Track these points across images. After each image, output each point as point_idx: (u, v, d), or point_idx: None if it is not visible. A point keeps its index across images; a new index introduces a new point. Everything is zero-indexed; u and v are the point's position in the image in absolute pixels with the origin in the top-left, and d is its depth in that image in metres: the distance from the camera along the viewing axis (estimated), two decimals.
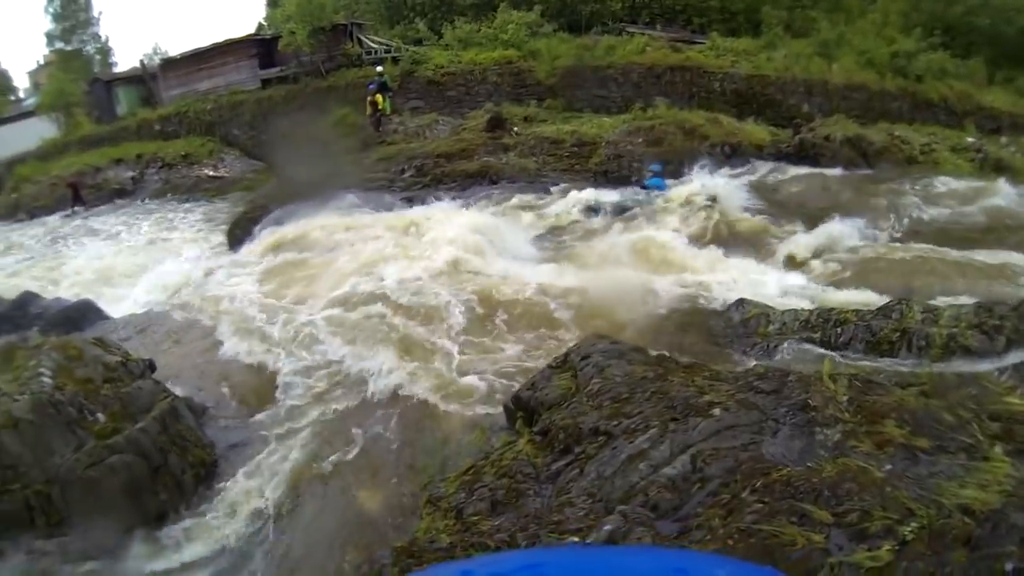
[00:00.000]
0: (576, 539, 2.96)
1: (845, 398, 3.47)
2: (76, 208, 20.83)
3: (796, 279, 8.82)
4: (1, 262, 16.30)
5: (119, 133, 26.33)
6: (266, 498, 5.22)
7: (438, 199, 13.10)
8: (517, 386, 5.46)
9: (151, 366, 6.23)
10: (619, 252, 10.11)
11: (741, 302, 7.52)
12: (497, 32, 21.84)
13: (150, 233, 16.88)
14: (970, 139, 16.19)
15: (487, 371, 6.79)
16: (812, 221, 10.78)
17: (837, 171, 13.90)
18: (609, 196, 13.13)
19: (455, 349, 7.30)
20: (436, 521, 3.62)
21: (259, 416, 6.36)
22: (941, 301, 6.59)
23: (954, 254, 8.86)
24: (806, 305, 7.52)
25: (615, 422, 3.80)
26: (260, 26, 30.85)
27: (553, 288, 8.57)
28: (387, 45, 22.70)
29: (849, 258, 9.21)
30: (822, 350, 6.06)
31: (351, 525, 4.88)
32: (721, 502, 2.87)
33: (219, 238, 14.70)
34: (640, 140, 15.42)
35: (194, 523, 5.05)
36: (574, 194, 13.29)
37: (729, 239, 10.62)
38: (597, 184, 13.96)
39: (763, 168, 14.49)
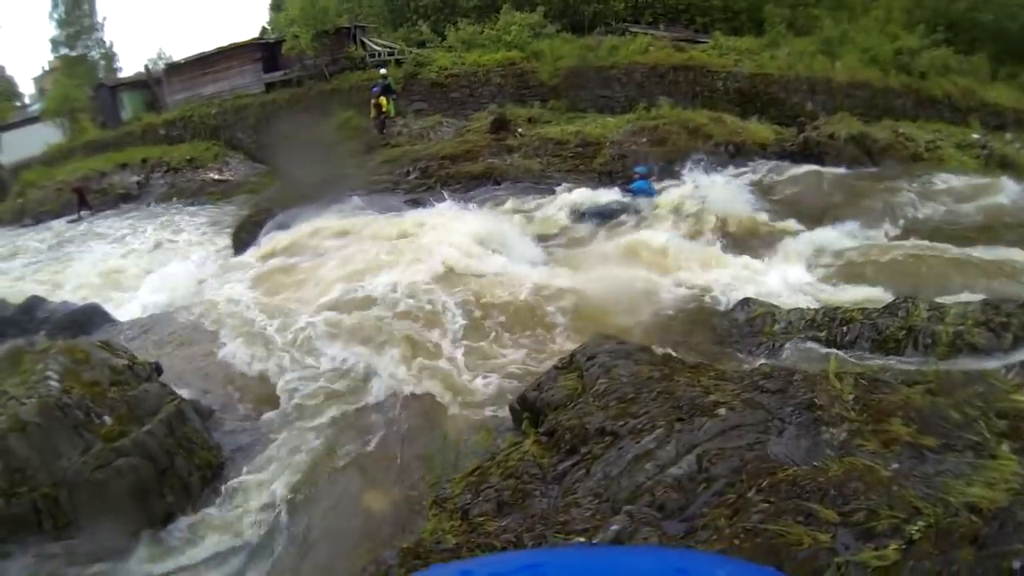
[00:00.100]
0: (583, 539, 2.96)
1: (851, 397, 3.46)
2: (82, 213, 20.94)
3: (801, 278, 8.79)
4: (7, 266, 16.40)
5: (124, 138, 26.48)
6: (272, 500, 5.22)
7: (442, 201, 13.09)
8: (522, 387, 5.47)
9: (158, 369, 6.25)
10: (620, 253, 10.10)
11: (746, 301, 7.51)
12: (500, 33, 21.87)
13: (156, 237, 16.94)
14: (975, 136, 16.14)
15: (492, 372, 6.81)
16: (817, 219, 10.76)
17: (841, 169, 13.85)
18: (597, 199, 12.92)
19: (459, 351, 7.32)
20: (442, 522, 3.62)
21: (265, 418, 6.37)
22: (947, 299, 6.55)
23: (960, 251, 8.82)
24: (811, 304, 7.51)
25: (621, 422, 3.80)
26: (264, 30, 30.95)
27: (556, 289, 8.57)
28: (390, 48, 22.74)
29: (854, 256, 9.18)
30: (828, 349, 6.05)
31: (357, 526, 4.89)
32: (727, 502, 2.86)
33: (224, 241, 14.76)
34: (644, 140, 15.40)
35: (201, 525, 5.06)
36: (562, 198, 13.17)
37: (730, 239, 10.59)
38: (601, 184, 13.88)
39: (767, 167, 14.43)
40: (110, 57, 40.73)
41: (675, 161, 14.43)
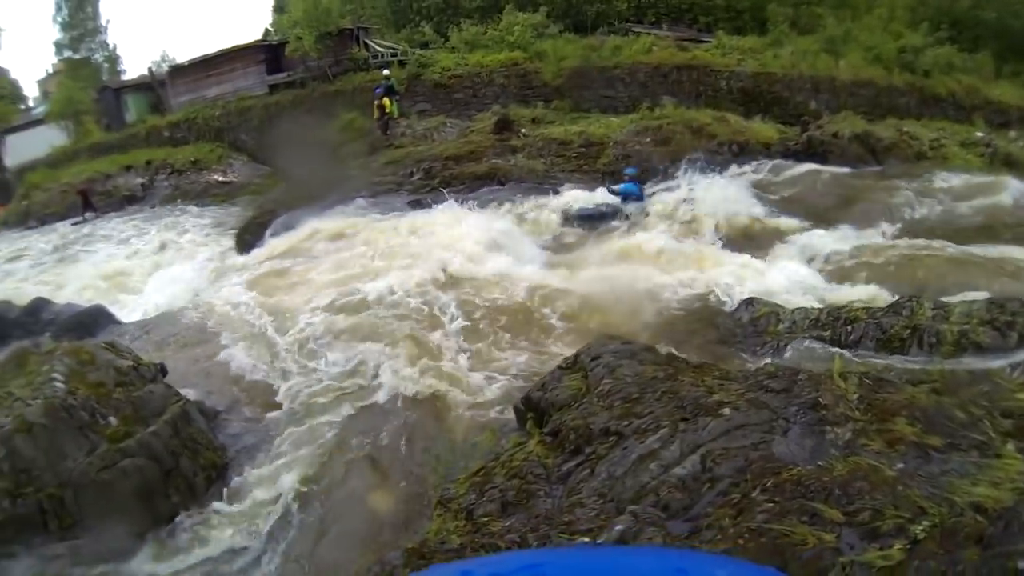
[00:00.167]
0: (587, 539, 2.96)
1: (856, 396, 3.45)
2: (87, 215, 20.99)
3: (805, 277, 8.77)
4: (13, 268, 16.47)
5: (129, 140, 26.52)
6: (277, 500, 5.24)
7: (446, 202, 13.09)
8: (526, 387, 5.47)
9: (163, 370, 6.27)
10: (620, 254, 10.10)
11: (750, 301, 7.50)
12: (503, 34, 21.87)
13: (160, 238, 16.96)
14: (979, 134, 16.08)
15: (496, 373, 6.82)
16: (821, 219, 10.74)
17: (846, 168, 13.81)
18: (585, 202, 12.73)
19: (463, 351, 7.34)
20: (447, 522, 3.62)
21: (270, 419, 6.39)
22: (952, 297, 6.54)
23: (964, 250, 8.79)
24: (816, 303, 7.49)
25: (626, 422, 3.79)
26: (267, 32, 30.97)
27: (559, 290, 8.59)
28: (393, 49, 22.77)
29: (858, 255, 9.15)
30: (832, 348, 6.03)
31: (362, 526, 4.90)
32: (731, 502, 2.86)
33: (228, 243, 14.78)
34: (648, 140, 15.37)
35: (206, 525, 5.08)
36: (554, 202, 13.04)
37: (732, 239, 10.57)
38: (605, 184, 13.85)
39: (771, 166, 14.39)
40: (114, 60, 40.84)
41: (669, 163, 14.29)
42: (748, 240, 10.54)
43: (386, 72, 19.89)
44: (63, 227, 20.56)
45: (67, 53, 38.60)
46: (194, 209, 20.22)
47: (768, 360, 5.96)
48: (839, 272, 8.79)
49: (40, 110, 34.89)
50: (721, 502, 2.89)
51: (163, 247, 16.06)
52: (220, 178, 22.37)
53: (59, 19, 38.42)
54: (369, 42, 23.32)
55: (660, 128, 15.66)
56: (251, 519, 5.12)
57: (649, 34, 21.53)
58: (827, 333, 6.34)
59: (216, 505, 5.29)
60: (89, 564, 4.56)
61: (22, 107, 40.05)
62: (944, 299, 6.35)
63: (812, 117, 17.14)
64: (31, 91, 44.03)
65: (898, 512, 2.44)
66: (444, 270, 9.45)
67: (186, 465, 5.35)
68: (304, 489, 5.32)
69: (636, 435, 3.62)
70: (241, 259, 13.01)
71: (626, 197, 12.40)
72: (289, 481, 5.40)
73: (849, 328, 6.24)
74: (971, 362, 5.11)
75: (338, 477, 5.44)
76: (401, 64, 21.78)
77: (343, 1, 24.43)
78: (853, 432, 3.12)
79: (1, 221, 24.07)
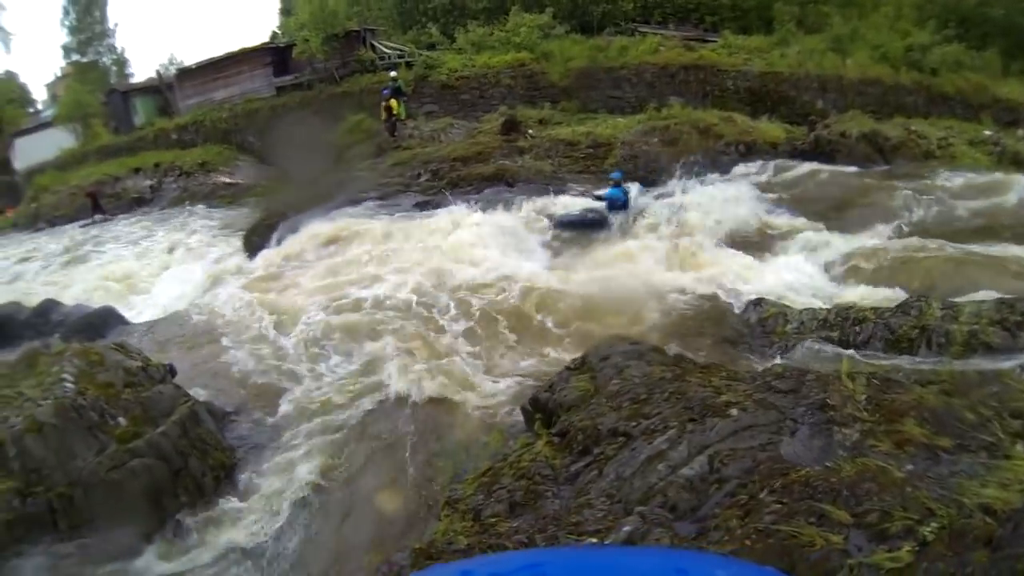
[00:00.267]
0: (595, 540, 2.96)
1: (864, 397, 3.44)
2: (96, 217, 21.11)
3: (813, 277, 8.75)
4: (22, 269, 16.60)
5: (137, 143, 26.69)
6: (285, 500, 5.26)
7: (453, 203, 13.09)
8: (534, 388, 5.48)
9: (171, 371, 6.31)
10: (625, 254, 10.09)
11: (758, 302, 7.48)
12: (509, 35, 21.89)
13: (169, 240, 17.05)
14: (987, 132, 15.96)
15: (503, 374, 6.83)
16: (828, 219, 10.68)
17: (853, 168, 13.74)
18: (570, 207, 12.25)
19: (470, 352, 7.34)
20: (454, 523, 3.63)
21: (278, 419, 6.42)
22: (961, 297, 6.50)
23: (973, 250, 8.72)
24: (823, 304, 7.46)
25: (634, 423, 3.79)
26: (274, 34, 31.12)
27: (566, 291, 8.58)
28: (400, 50, 22.82)
29: (866, 255, 9.09)
30: (840, 349, 6.01)
31: (369, 526, 4.91)
32: (739, 503, 2.85)
33: (237, 244, 14.83)
34: (655, 140, 15.33)
35: (214, 525, 5.10)
36: (529, 205, 12.69)
37: (738, 241, 10.52)
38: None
39: (778, 166, 14.32)
40: (122, 63, 41.22)
41: (677, 164, 14.15)
42: (754, 241, 10.49)
43: (393, 74, 19.93)
44: (72, 229, 20.70)
45: (75, 56, 39.00)
46: (202, 210, 20.33)
47: (776, 361, 5.95)
48: (847, 272, 8.75)
49: (48, 113, 35.16)
50: (729, 503, 2.89)
51: (172, 248, 16.14)
52: (227, 180, 22.46)
53: (67, 23, 38.83)
54: (376, 44, 23.38)
55: (667, 128, 15.61)
56: (259, 519, 5.14)
57: (656, 34, 21.51)
58: (835, 334, 6.32)
59: (225, 505, 5.32)
60: (98, 563, 4.59)
61: (30, 110, 40.39)
62: (953, 299, 6.32)
63: (819, 116, 17.06)
64: (39, 94, 44.45)
65: (907, 514, 2.43)
66: (451, 271, 9.46)
67: (195, 465, 5.38)
68: (312, 490, 5.34)
69: (644, 436, 3.61)
70: (249, 261, 13.05)
71: (612, 204, 11.88)
72: (297, 482, 5.42)
73: (857, 328, 6.22)
74: (981, 363, 5.07)
75: (346, 477, 5.46)
76: (408, 65, 21.83)
77: (350, 3, 24.50)
78: (861, 433, 3.12)
79: (10, 223, 24.27)
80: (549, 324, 7.95)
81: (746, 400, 3.66)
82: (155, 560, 4.78)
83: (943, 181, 12.10)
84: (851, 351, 5.87)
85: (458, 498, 3.88)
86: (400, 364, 6.91)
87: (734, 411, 3.55)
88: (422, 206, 13.42)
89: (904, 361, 5.50)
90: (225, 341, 8.25)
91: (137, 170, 23.97)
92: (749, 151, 15.09)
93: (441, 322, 8.10)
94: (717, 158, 14.72)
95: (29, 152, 29.81)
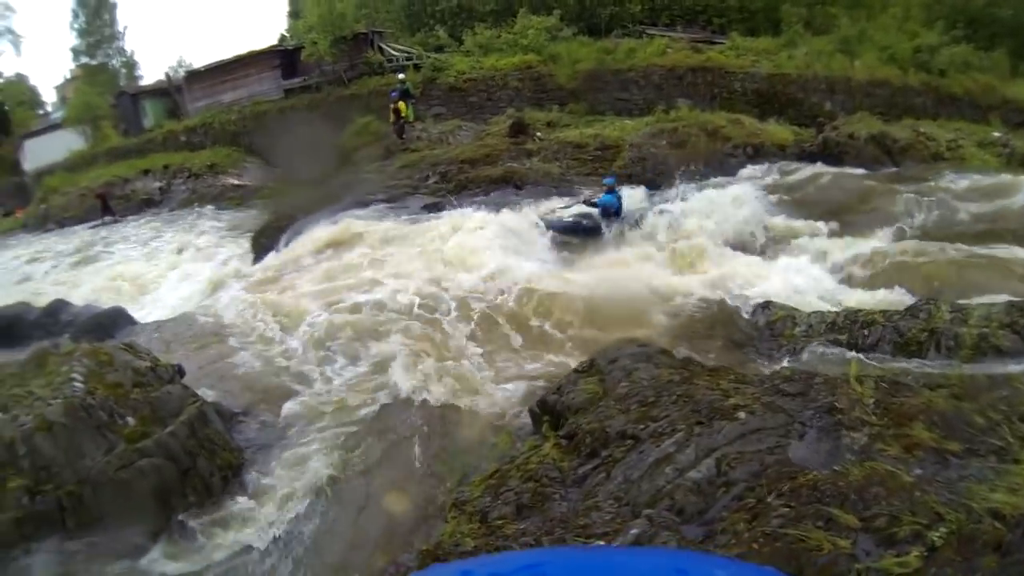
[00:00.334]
0: (602, 543, 2.95)
1: (872, 400, 3.43)
2: (105, 218, 21.25)
3: (821, 280, 8.72)
4: (32, 270, 16.73)
5: (146, 145, 26.85)
6: (292, 500, 5.27)
7: (461, 206, 13.10)
8: (542, 391, 5.48)
9: (180, 371, 6.34)
10: (636, 256, 10.08)
11: (766, 305, 7.46)
12: (517, 37, 21.90)
13: (177, 241, 17.15)
14: (996, 134, 15.87)
15: (511, 376, 6.83)
16: (837, 221, 10.63)
17: (861, 170, 13.68)
18: (563, 212, 11.93)
19: (478, 354, 7.36)
20: (461, 524, 3.63)
21: (285, 420, 6.44)
22: (970, 300, 6.47)
23: (983, 252, 8.68)
24: (832, 307, 7.44)
25: (642, 426, 3.79)
26: (282, 37, 31.22)
27: (573, 293, 8.58)
28: (408, 53, 22.86)
29: (875, 258, 9.06)
30: (849, 352, 5.99)
31: (376, 528, 4.92)
32: (747, 506, 2.85)
33: (245, 245, 14.89)
34: (664, 142, 15.30)
35: (221, 525, 5.12)
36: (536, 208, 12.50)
37: (746, 245, 10.48)
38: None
39: (786, 168, 14.27)
40: (131, 65, 41.49)
41: (684, 167, 14.05)
42: (762, 243, 10.46)
43: (401, 76, 19.96)
44: (82, 230, 20.84)
45: (84, 59, 39.29)
46: (210, 212, 20.44)
47: (784, 364, 5.94)
48: (855, 275, 8.72)
49: (57, 115, 35.45)
50: (736, 506, 2.88)
51: (181, 249, 16.23)
52: (235, 181, 22.58)
53: (76, 26, 39.10)
54: (384, 46, 23.42)
55: (676, 131, 15.59)
56: (266, 519, 5.15)
57: (663, 36, 21.48)
58: (843, 337, 6.30)
59: (232, 505, 5.34)
60: (106, 561, 4.61)
61: (40, 112, 40.72)
62: (962, 302, 6.29)
63: (827, 118, 16.99)
64: (49, 97, 44.83)
65: (915, 518, 2.42)
66: (458, 273, 9.48)
67: (203, 465, 5.40)
68: (319, 490, 5.35)
69: (652, 439, 3.61)
70: (257, 262, 13.10)
71: (605, 211, 11.38)
72: (304, 482, 5.44)
73: (866, 332, 6.20)
74: (990, 366, 5.05)
75: (353, 478, 5.47)
76: (416, 68, 21.86)
77: (358, 6, 24.54)
78: (869, 437, 3.11)
79: (20, 224, 24.45)
80: (555, 327, 7.95)
81: (754, 403, 3.65)
82: (162, 559, 4.79)
83: (952, 183, 12.04)
84: (860, 354, 5.85)
85: (465, 500, 3.89)
86: (407, 366, 6.92)
87: (742, 414, 3.54)
88: (430, 208, 13.44)
89: (913, 364, 5.49)
90: (232, 342, 8.29)
91: (146, 172, 24.12)
92: (757, 153, 15.05)
93: (447, 324, 8.12)
94: (725, 160, 14.69)
95: (38, 153, 30.04)
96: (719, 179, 13.56)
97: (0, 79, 39.86)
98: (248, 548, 4.88)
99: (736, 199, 11.71)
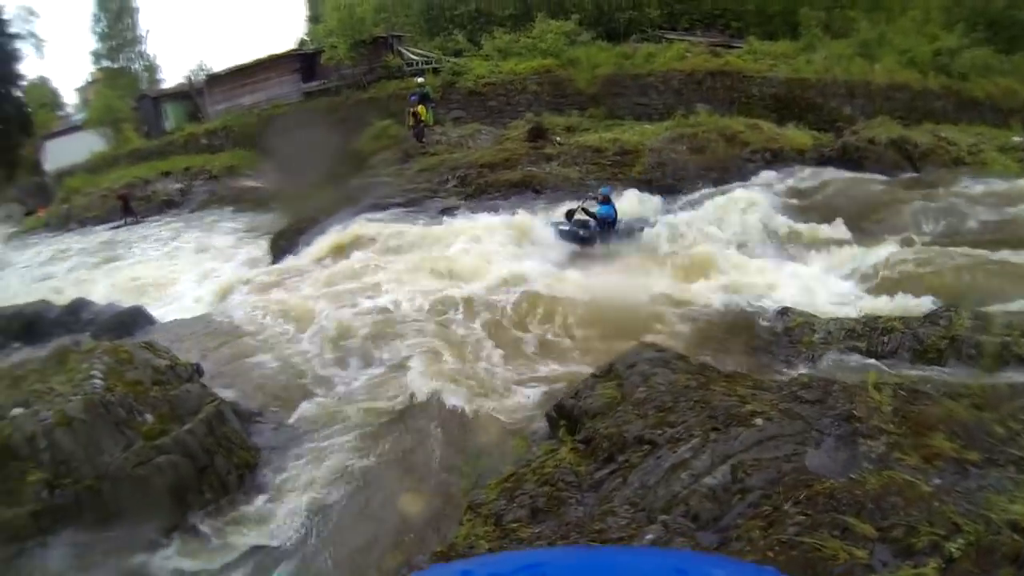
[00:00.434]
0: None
1: (890, 409, 3.40)
2: (127, 219, 21.52)
3: (840, 287, 8.65)
4: (54, 269, 16.98)
5: (167, 147, 27.21)
6: (307, 500, 5.30)
7: (474, 211, 13.11)
8: (559, 395, 5.47)
9: (198, 370, 6.40)
10: (650, 261, 10.05)
11: (785, 311, 7.41)
12: (536, 41, 21.96)
13: (197, 242, 17.34)
14: (1016, 138, 15.68)
15: (528, 379, 6.83)
16: (856, 227, 10.55)
17: (881, 175, 13.55)
18: (563, 219, 11.74)
19: (495, 357, 7.36)
20: (476, 527, 3.63)
21: (302, 420, 6.47)
22: (992, 308, 6.38)
23: (1004, 258, 8.55)
24: (851, 313, 7.37)
25: (659, 431, 3.77)
26: (302, 41, 31.52)
27: (592, 297, 8.57)
28: (427, 57, 22.98)
29: (894, 264, 8.96)
30: (868, 359, 5.93)
31: (391, 529, 4.93)
32: (762, 513, 2.83)
33: (263, 247, 15.03)
34: (683, 148, 15.27)
35: (237, 523, 5.15)
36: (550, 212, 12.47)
37: (766, 250, 10.41)
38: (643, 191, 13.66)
39: (805, 173, 14.17)
40: (152, 69, 42.01)
41: (687, 177, 13.84)
42: (780, 249, 10.40)
43: (420, 80, 20.09)
44: (103, 230, 21.12)
45: (105, 63, 39.89)
46: (230, 214, 20.65)
47: (802, 370, 5.88)
48: (873, 281, 8.63)
49: (78, 117, 36.02)
50: (752, 514, 2.87)
51: (200, 250, 16.41)
52: (254, 184, 22.78)
53: (98, 30, 39.67)
54: (403, 50, 23.58)
55: (694, 136, 15.57)
56: (281, 518, 5.18)
57: (682, 40, 21.43)
58: (862, 344, 6.23)
59: (248, 503, 5.37)
60: (122, 556, 4.66)
61: (60, 114, 41.34)
62: (984, 309, 6.21)
63: (847, 123, 16.88)
64: (70, 99, 45.52)
65: (933, 529, 2.40)
66: (476, 275, 9.50)
67: (220, 463, 5.44)
68: (334, 490, 5.37)
69: (669, 444, 3.60)
70: (274, 264, 13.20)
71: (602, 223, 11.23)
72: (320, 482, 5.46)
73: (885, 339, 6.13)
74: (1012, 375, 4.97)
75: (368, 479, 5.49)
76: (435, 72, 21.98)
77: (377, 10, 24.74)
78: (887, 445, 3.08)
79: (42, 223, 24.83)
80: (567, 333, 7.92)
81: (771, 410, 3.63)
82: (178, 555, 4.83)
83: (972, 188, 11.90)
84: (878, 361, 5.79)
85: (480, 502, 3.89)
86: (422, 368, 6.94)
87: (759, 421, 3.52)
88: (448, 212, 13.48)
89: (933, 372, 5.42)
90: (249, 342, 8.34)
91: (167, 174, 24.44)
92: (775, 158, 14.97)
93: (461, 328, 8.13)
94: (743, 166, 14.62)
95: (59, 154, 30.55)
96: (735, 184, 13.49)
97: (23, 81, 40.56)
98: (263, 546, 4.92)
99: (755, 204, 11.65)
